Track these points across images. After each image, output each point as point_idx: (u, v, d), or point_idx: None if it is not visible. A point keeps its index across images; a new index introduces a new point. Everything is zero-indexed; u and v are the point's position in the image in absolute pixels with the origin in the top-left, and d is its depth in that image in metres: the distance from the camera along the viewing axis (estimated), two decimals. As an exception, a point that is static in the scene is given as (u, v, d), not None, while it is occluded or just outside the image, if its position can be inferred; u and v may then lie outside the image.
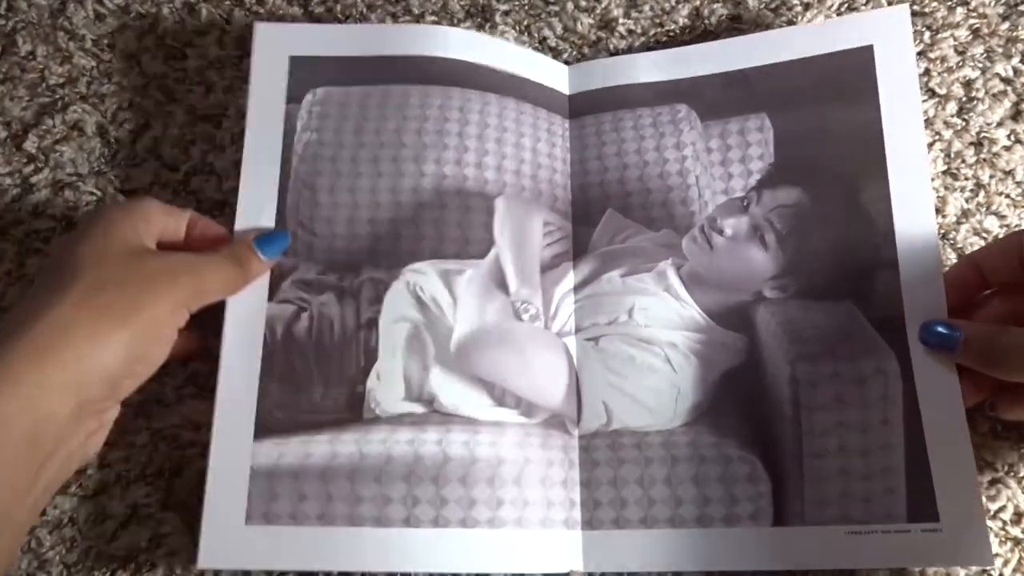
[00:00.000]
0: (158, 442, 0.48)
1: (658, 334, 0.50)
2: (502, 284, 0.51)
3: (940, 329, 0.46)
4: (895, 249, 0.49)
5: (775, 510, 0.46)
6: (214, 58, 0.55)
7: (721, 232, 0.51)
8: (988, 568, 0.46)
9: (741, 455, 0.47)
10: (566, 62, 0.56)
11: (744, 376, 0.49)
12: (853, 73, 0.52)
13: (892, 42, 0.52)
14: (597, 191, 0.53)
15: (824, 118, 0.52)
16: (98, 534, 0.47)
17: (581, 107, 0.55)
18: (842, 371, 0.47)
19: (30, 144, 0.53)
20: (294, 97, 0.52)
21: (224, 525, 0.44)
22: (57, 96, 0.54)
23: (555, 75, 0.56)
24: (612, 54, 0.57)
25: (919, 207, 0.49)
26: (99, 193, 0.52)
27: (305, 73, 0.52)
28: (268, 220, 0.49)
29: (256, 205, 0.49)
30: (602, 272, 0.52)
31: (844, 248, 0.50)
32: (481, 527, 0.45)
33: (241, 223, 0.49)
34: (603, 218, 0.53)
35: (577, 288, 0.51)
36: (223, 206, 0.52)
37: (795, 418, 0.47)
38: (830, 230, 0.50)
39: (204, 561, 0.43)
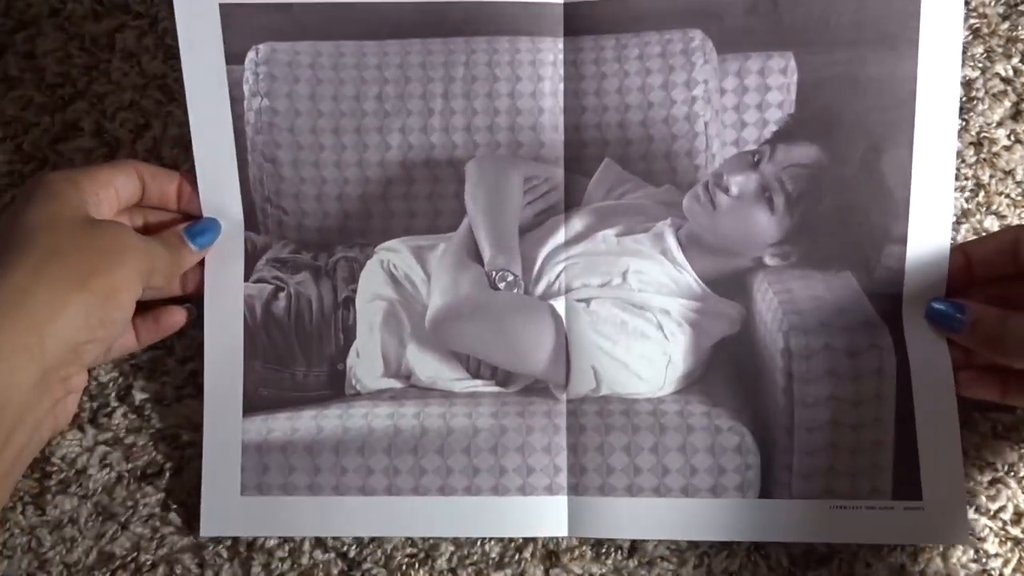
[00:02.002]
0: (158, 442, 0.50)
1: (652, 299, 0.49)
2: (476, 254, 0.51)
3: (948, 308, 0.45)
4: (907, 225, 0.47)
5: (762, 482, 0.46)
6: None
7: (727, 190, 0.49)
8: (989, 569, 0.47)
9: (731, 426, 0.47)
10: None
11: (737, 345, 0.48)
12: (896, 16, 0.47)
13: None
14: (594, 134, 0.50)
15: (857, 65, 0.48)
16: (98, 534, 0.49)
17: (579, 22, 0.49)
18: (836, 344, 0.46)
19: (30, 144, 0.54)
20: (234, 56, 0.48)
21: (222, 497, 0.47)
22: (57, 96, 0.54)
23: None
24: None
25: (940, 182, 0.47)
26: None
27: (241, 26, 0.48)
28: (233, 194, 0.49)
29: (216, 179, 0.49)
30: (597, 229, 0.51)
31: (855, 217, 0.47)
32: (458, 494, 0.47)
33: (204, 194, 0.49)
34: (600, 168, 0.51)
35: (568, 244, 0.50)
36: None
37: (787, 389, 0.46)
38: (843, 196, 0.48)
39: (205, 530, 0.47)
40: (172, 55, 0.54)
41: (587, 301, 0.49)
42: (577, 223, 0.50)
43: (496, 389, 0.49)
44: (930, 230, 0.47)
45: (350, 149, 0.51)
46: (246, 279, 0.49)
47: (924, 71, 0.46)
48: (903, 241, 0.47)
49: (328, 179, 0.51)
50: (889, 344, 0.46)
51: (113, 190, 0.45)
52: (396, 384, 0.50)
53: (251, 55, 0.50)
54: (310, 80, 0.51)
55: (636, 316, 0.49)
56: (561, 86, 0.50)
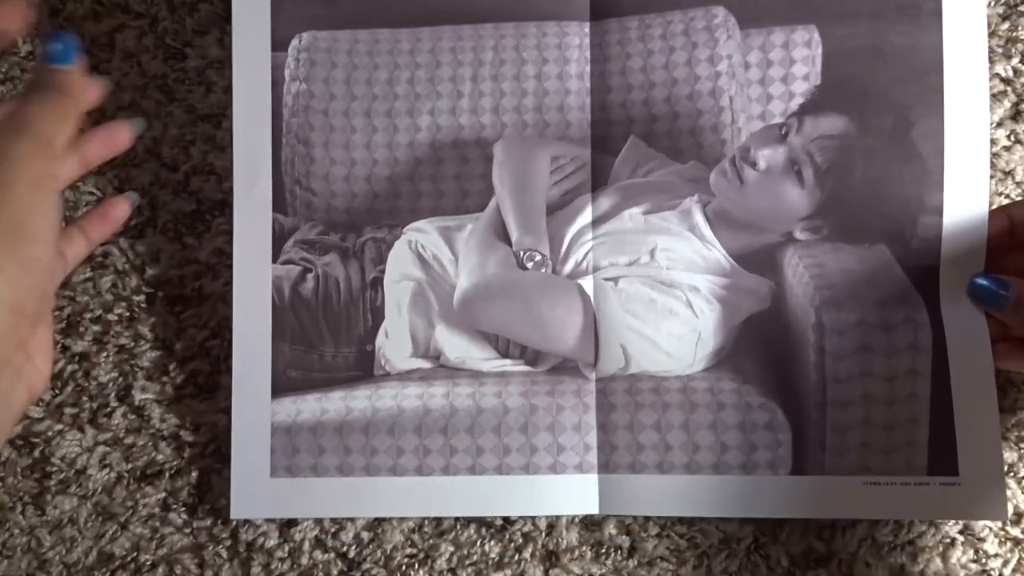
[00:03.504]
0: (158, 442, 0.50)
1: (680, 277, 0.49)
2: (504, 234, 0.51)
3: (991, 284, 0.44)
4: (942, 194, 0.46)
5: (794, 459, 0.46)
6: (214, 58, 0.54)
7: (754, 164, 0.49)
8: (989, 569, 0.47)
9: (762, 402, 0.47)
10: None
11: (768, 321, 0.48)
12: None
13: None
14: (620, 112, 0.51)
15: (880, 36, 0.48)
16: (98, 534, 0.49)
17: (604, 6, 0.51)
18: (869, 318, 0.46)
19: None
20: (279, 43, 0.51)
21: (251, 479, 0.48)
22: None
23: None
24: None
25: (975, 150, 0.46)
26: (99, 193, 0.54)
27: (288, 12, 0.51)
28: (265, 175, 0.50)
29: (251, 158, 0.50)
30: (623, 208, 0.51)
31: (888, 188, 0.47)
32: (489, 474, 0.48)
33: (238, 176, 0.50)
34: (625, 146, 0.51)
35: (596, 223, 0.50)
36: (223, 206, 0.53)
37: (819, 365, 0.46)
38: (874, 167, 0.47)
39: (236, 512, 0.48)
40: (172, 55, 0.55)
41: (615, 280, 0.49)
42: (604, 202, 0.51)
43: (525, 368, 0.50)
44: (967, 199, 0.46)
45: (381, 131, 0.52)
46: (274, 261, 0.50)
47: (949, 40, 0.46)
48: (939, 212, 0.46)
49: (357, 160, 0.52)
50: (925, 318, 0.45)
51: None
52: (425, 364, 0.50)
53: (294, 42, 0.52)
54: (346, 66, 0.52)
55: (664, 294, 0.49)
56: (588, 68, 0.51)
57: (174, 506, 0.50)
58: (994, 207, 0.49)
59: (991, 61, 0.52)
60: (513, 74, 0.51)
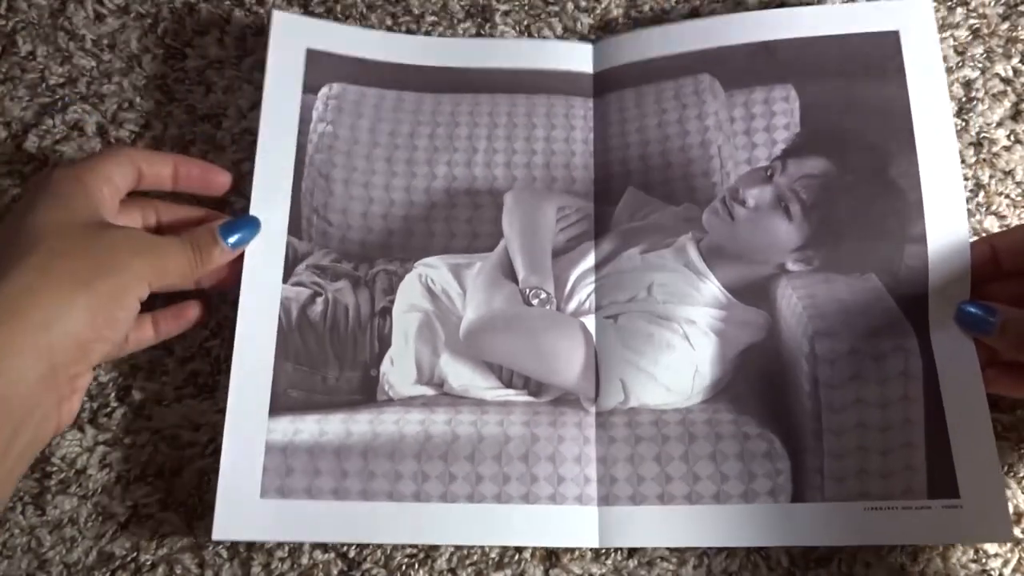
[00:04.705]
0: (158, 442, 0.50)
1: (676, 310, 0.51)
2: (511, 274, 0.53)
3: (977, 311, 0.46)
4: (923, 224, 0.49)
5: (794, 486, 0.47)
6: (214, 58, 0.56)
7: (743, 203, 0.51)
8: (989, 569, 0.47)
9: (760, 432, 0.48)
10: (592, 40, 0.57)
11: (764, 352, 0.50)
12: (880, 54, 0.53)
13: (918, 30, 0.52)
14: (619, 169, 0.55)
15: (851, 91, 0.53)
16: (98, 534, 0.48)
17: (606, 85, 0.56)
18: (861, 347, 0.48)
19: (30, 144, 0.54)
20: (310, 87, 0.54)
21: (239, 499, 0.47)
22: (57, 96, 0.55)
23: (578, 57, 0.57)
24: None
25: (949, 183, 0.50)
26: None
27: (321, 67, 0.55)
28: (283, 199, 0.52)
29: (271, 183, 0.52)
30: (622, 250, 0.53)
31: (872, 220, 0.50)
32: (488, 502, 0.47)
33: (257, 198, 0.51)
34: (624, 196, 0.54)
35: (598, 267, 0.53)
36: (223, 205, 0.53)
37: (814, 394, 0.48)
38: (858, 201, 0.51)
39: (218, 533, 0.46)
40: (172, 55, 0.56)
41: (615, 317, 0.51)
42: (605, 246, 0.53)
43: (528, 398, 0.50)
44: (947, 227, 0.49)
45: (400, 176, 0.55)
46: (284, 281, 0.51)
47: (915, 94, 0.51)
48: (922, 240, 0.49)
49: (375, 199, 0.55)
50: (914, 345, 0.47)
51: (114, 184, 0.46)
52: (428, 391, 0.51)
53: (324, 90, 0.55)
54: (371, 117, 0.56)
55: (662, 328, 0.50)
56: (591, 135, 0.56)
57: (174, 506, 0.49)
58: (981, 234, 0.51)
59: (991, 61, 0.55)
60: (524, 136, 0.56)
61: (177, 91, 0.55)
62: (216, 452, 0.48)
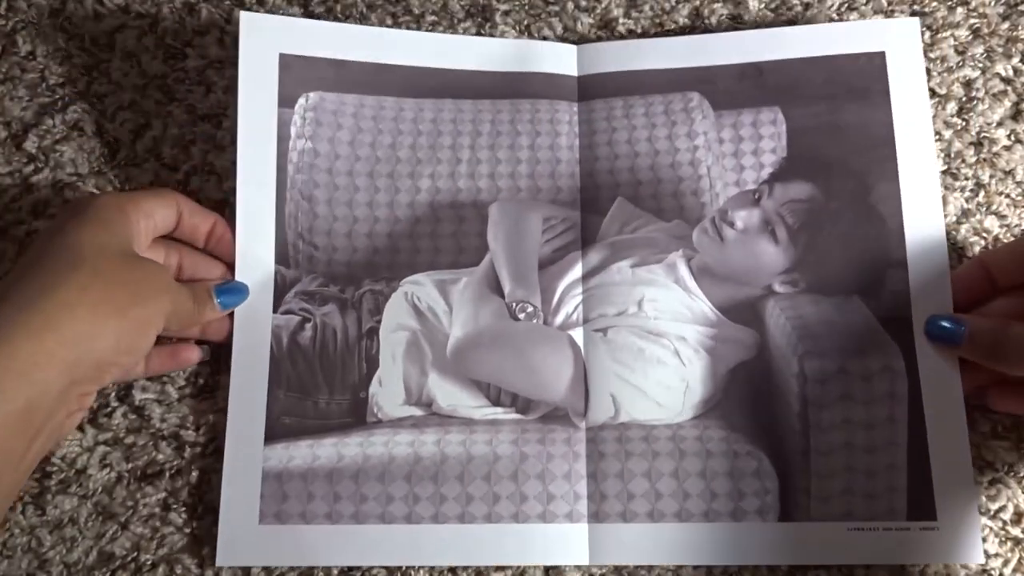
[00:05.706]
0: (158, 442, 0.50)
1: (667, 327, 0.51)
2: (497, 287, 0.53)
3: (945, 323, 0.48)
4: (905, 248, 0.50)
5: (782, 505, 0.48)
6: (214, 58, 0.56)
7: (732, 224, 0.52)
8: (989, 569, 0.48)
9: (749, 450, 0.49)
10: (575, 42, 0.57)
11: (753, 371, 0.51)
12: (865, 75, 0.53)
13: (903, 52, 0.53)
14: (607, 178, 0.55)
15: (836, 115, 0.53)
16: (98, 534, 0.49)
17: (591, 90, 0.56)
18: (850, 368, 0.49)
19: (30, 144, 0.54)
20: (286, 100, 0.53)
21: (239, 525, 0.48)
22: (57, 96, 0.55)
23: (562, 59, 0.56)
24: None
25: (928, 209, 0.51)
26: (98, 192, 0.54)
27: (296, 73, 0.54)
28: (268, 229, 0.52)
29: (254, 213, 0.52)
30: (611, 262, 0.53)
31: (855, 245, 0.51)
32: (478, 522, 0.48)
33: (241, 230, 0.51)
34: (613, 206, 0.54)
35: (585, 278, 0.53)
36: (223, 206, 0.53)
37: (803, 414, 0.49)
38: (841, 226, 0.51)
39: (222, 560, 0.47)
40: (172, 55, 0.55)
41: (604, 330, 0.51)
42: (593, 257, 0.53)
43: (516, 416, 0.51)
44: (928, 254, 0.50)
45: (382, 191, 0.55)
46: (275, 311, 0.51)
47: (899, 117, 0.52)
48: (904, 265, 0.50)
49: (359, 218, 0.55)
50: (901, 367, 0.48)
51: (153, 221, 0.47)
52: (417, 412, 0.51)
53: (301, 100, 0.54)
54: (351, 128, 0.55)
55: (653, 343, 0.51)
56: (577, 141, 0.55)
57: (174, 506, 0.49)
58: (981, 235, 0.52)
59: (992, 61, 0.55)
60: (508, 144, 0.55)
61: (177, 91, 0.55)
62: (216, 452, 0.49)
